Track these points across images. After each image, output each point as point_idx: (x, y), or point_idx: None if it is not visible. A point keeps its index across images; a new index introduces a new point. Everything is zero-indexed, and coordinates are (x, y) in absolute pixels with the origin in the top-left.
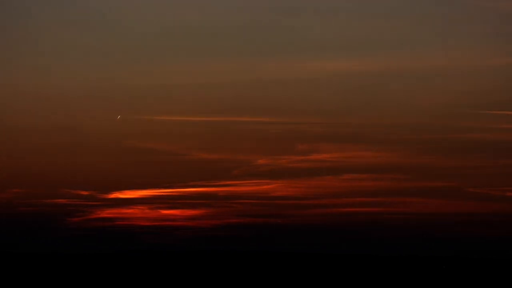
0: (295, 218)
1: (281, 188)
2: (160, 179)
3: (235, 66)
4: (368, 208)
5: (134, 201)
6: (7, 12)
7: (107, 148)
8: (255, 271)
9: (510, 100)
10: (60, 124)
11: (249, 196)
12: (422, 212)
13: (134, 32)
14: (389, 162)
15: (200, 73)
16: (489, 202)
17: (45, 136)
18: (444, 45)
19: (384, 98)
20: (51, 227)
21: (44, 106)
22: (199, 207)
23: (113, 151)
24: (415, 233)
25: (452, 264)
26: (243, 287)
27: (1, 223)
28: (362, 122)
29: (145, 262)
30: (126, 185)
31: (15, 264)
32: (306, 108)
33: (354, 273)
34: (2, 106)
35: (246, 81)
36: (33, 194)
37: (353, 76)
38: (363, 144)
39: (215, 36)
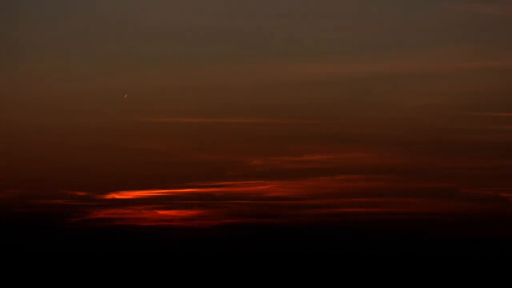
0: (290, 218)
1: (276, 188)
2: (156, 180)
3: (229, 69)
4: (363, 209)
5: (131, 201)
6: (7, 13)
7: (103, 149)
8: (251, 270)
9: (503, 102)
10: (58, 125)
11: (244, 196)
12: (417, 212)
13: (132, 34)
14: (383, 163)
15: (195, 75)
16: (484, 202)
17: (42, 137)
18: (434, 48)
19: (378, 99)
20: (49, 228)
21: (43, 106)
22: (196, 208)
23: (110, 152)
24: (411, 233)
25: (451, 263)
26: (240, 287)
27: None
28: (356, 123)
29: (142, 262)
30: (122, 186)
31: (13, 264)
32: (299, 109)
33: (351, 273)
34: (2, 106)
35: (240, 83)
36: (31, 194)
37: (346, 78)
38: (357, 145)
39: (210, 39)
